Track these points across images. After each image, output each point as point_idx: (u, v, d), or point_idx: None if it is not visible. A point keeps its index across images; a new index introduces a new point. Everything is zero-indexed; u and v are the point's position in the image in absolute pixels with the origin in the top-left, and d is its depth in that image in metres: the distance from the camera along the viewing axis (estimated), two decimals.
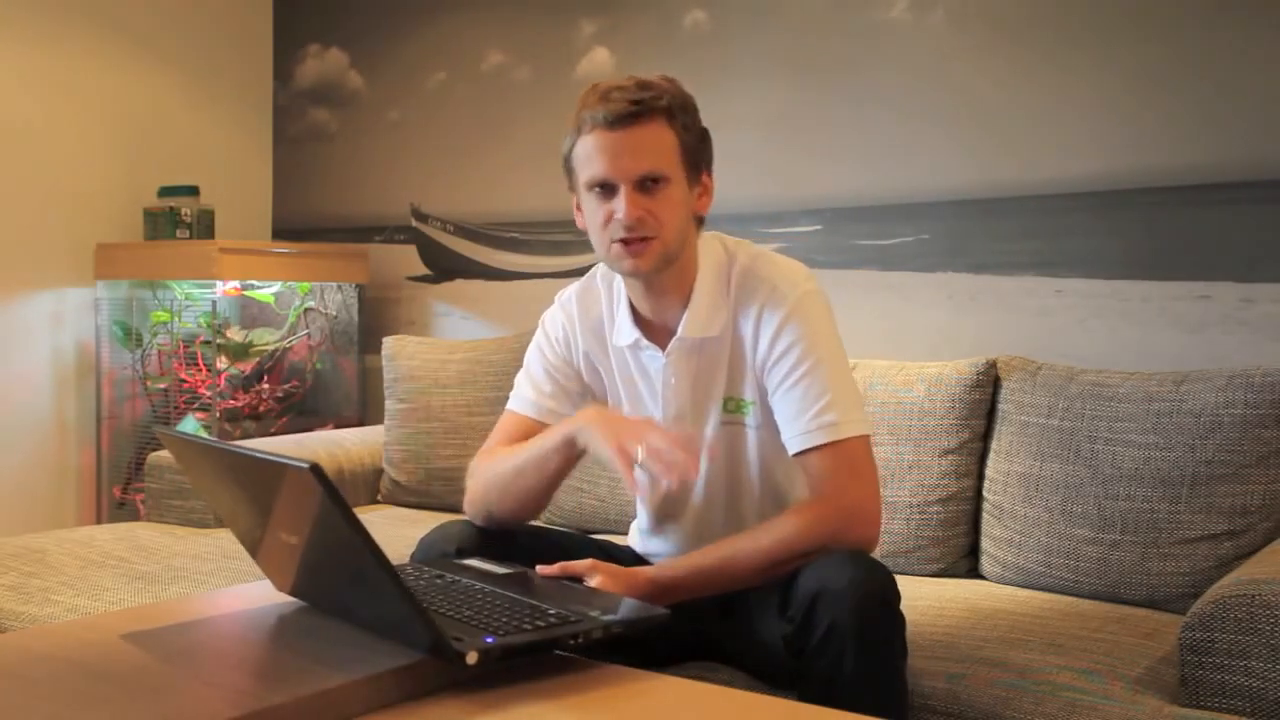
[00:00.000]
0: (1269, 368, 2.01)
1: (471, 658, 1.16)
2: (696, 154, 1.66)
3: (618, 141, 1.59)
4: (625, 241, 1.61)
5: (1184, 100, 2.37)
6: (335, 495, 1.13)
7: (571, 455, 1.63)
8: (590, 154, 1.61)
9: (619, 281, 1.76)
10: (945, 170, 2.64)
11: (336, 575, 1.30)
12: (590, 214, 1.66)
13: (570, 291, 1.83)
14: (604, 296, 1.78)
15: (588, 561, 1.53)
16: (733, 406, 1.71)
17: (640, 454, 1.48)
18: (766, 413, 1.68)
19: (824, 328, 1.66)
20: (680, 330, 1.68)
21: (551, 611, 1.30)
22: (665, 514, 1.80)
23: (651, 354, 1.72)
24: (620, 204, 1.60)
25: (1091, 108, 2.47)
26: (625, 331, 1.73)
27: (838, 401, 1.61)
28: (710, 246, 1.72)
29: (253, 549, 1.44)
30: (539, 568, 1.53)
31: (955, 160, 2.63)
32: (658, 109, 1.60)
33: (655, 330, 1.72)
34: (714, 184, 1.72)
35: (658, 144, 1.61)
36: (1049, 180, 2.52)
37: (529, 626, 1.25)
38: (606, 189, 1.62)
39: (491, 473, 1.70)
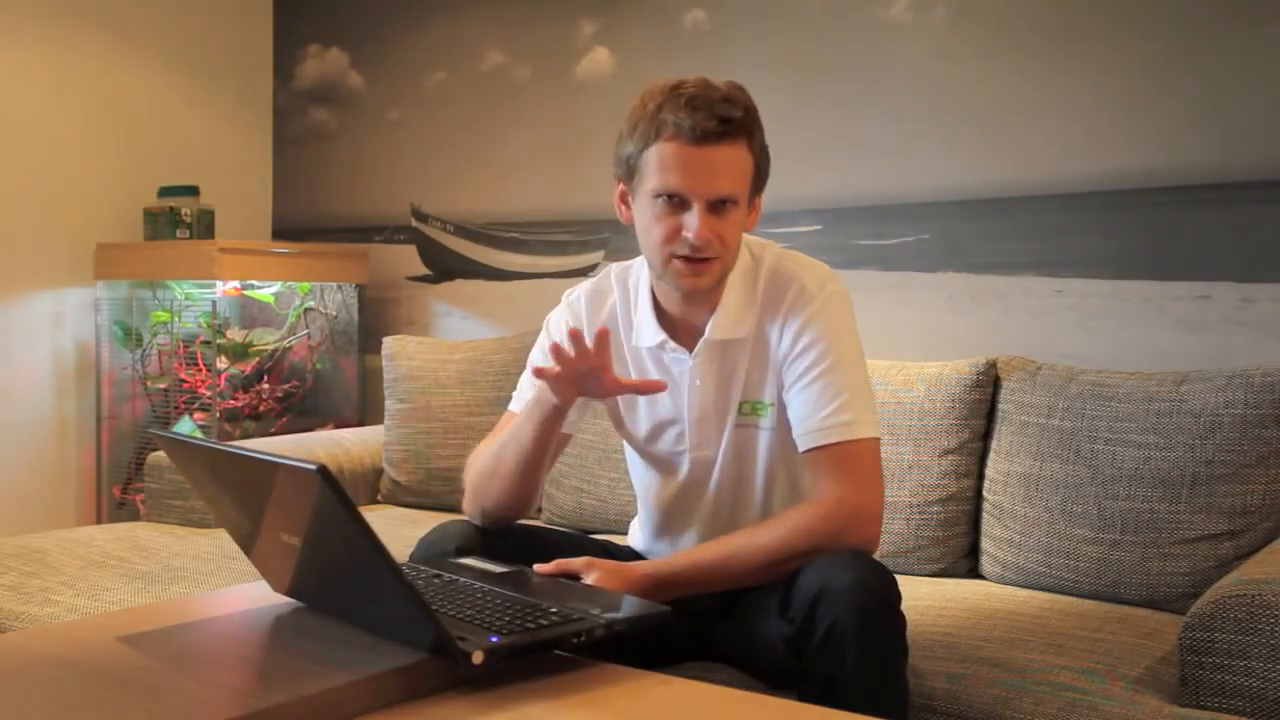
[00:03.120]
0: (1269, 368, 2.01)
1: (477, 657, 1.16)
2: (762, 176, 1.64)
3: (700, 159, 1.55)
4: (688, 259, 1.60)
5: (1184, 100, 2.37)
6: (343, 497, 1.13)
7: (542, 416, 1.62)
8: (667, 163, 1.57)
9: (637, 281, 1.75)
10: (945, 170, 2.64)
11: (338, 576, 1.30)
12: (650, 221, 1.61)
13: (580, 292, 1.82)
14: (618, 297, 1.77)
15: (584, 559, 1.53)
16: (748, 409, 1.70)
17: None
18: (783, 413, 1.68)
19: (846, 329, 1.66)
20: (708, 331, 1.68)
21: (553, 610, 1.30)
22: (671, 515, 1.80)
23: (677, 355, 1.71)
24: (692, 222, 1.57)
25: (1092, 108, 2.47)
26: (650, 332, 1.72)
27: (853, 402, 1.61)
28: None
29: (249, 549, 1.44)
30: (536, 566, 1.53)
31: (955, 160, 2.63)
32: (743, 130, 1.57)
33: (680, 331, 1.71)
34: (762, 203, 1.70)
35: (737, 167, 1.58)
36: (1049, 180, 2.52)
37: (532, 625, 1.25)
38: (675, 201, 1.59)
39: (482, 460, 1.71)
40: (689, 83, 1.58)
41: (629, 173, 1.64)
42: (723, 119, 1.55)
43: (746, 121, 1.58)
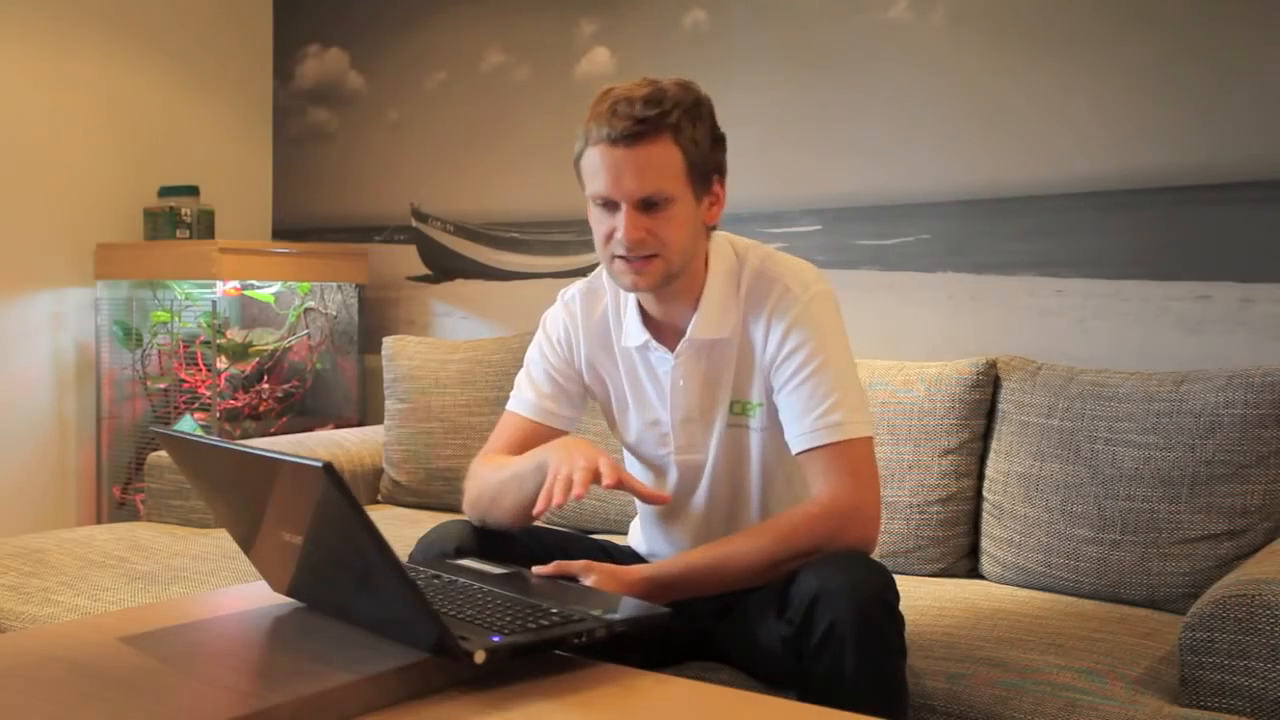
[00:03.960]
0: (1269, 368, 2.01)
1: (479, 657, 1.16)
2: (706, 167, 1.63)
3: (620, 160, 1.56)
4: (625, 259, 1.61)
5: (1184, 100, 2.37)
6: (348, 494, 1.13)
7: (543, 478, 1.60)
8: (594, 169, 1.59)
9: None
10: (945, 170, 2.64)
11: (340, 575, 1.30)
12: (594, 225, 1.65)
13: (574, 290, 1.82)
14: (610, 296, 1.77)
15: (582, 561, 1.53)
16: (738, 409, 1.70)
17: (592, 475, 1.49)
18: (772, 414, 1.68)
19: (833, 329, 1.66)
20: (689, 331, 1.68)
21: (554, 611, 1.30)
22: (666, 518, 1.80)
23: (660, 355, 1.71)
24: (620, 223, 1.58)
25: (1092, 108, 2.47)
26: (634, 333, 1.73)
27: (844, 402, 1.60)
28: (720, 248, 1.71)
29: (248, 548, 1.44)
30: (535, 568, 1.53)
31: (955, 160, 2.63)
32: (664, 126, 1.56)
33: (664, 331, 1.72)
34: (725, 191, 1.68)
35: (661, 164, 1.57)
36: (1049, 180, 2.52)
37: (533, 625, 1.25)
38: (609, 204, 1.60)
39: (483, 483, 1.70)
40: (620, 87, 1.60)
41: (579, 180, 1.66)
42: (638, 119, 1.55)
43: (669, 117, 1.56)
